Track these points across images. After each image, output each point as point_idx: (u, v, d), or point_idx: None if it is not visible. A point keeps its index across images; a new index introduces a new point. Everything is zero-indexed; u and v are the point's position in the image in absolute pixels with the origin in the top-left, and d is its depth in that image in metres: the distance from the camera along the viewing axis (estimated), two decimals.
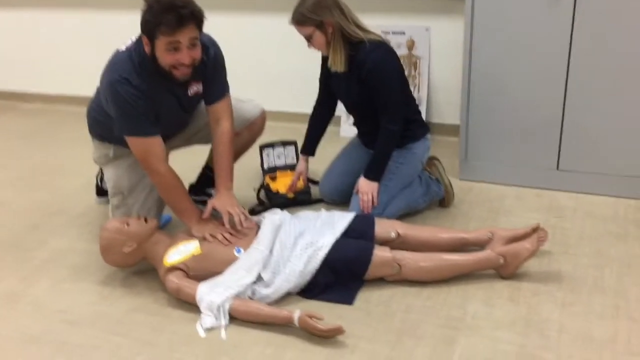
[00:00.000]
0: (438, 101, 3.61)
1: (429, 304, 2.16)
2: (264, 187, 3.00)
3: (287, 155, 3.11)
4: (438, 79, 3.56)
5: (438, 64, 3.52)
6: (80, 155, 3.59)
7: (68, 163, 3.57)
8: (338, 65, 2.48)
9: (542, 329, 2.00)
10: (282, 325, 2.05)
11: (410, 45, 3.54)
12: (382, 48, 2.45)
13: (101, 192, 3.00)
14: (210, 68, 2.39)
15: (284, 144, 3.12)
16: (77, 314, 2.22)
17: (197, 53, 2.21)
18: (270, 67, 3.98)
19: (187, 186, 2.93)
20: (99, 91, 2.40)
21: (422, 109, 3.61)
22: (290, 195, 2.89)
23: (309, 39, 2.47)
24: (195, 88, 2.40)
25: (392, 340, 1.99)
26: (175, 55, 2.15)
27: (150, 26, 2.11)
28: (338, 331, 1.98)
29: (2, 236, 2.80)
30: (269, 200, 2.93)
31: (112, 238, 2.29)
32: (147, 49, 2.18)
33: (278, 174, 3.05)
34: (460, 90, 2.91)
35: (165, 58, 2.16)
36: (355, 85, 2.50)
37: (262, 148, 3.10)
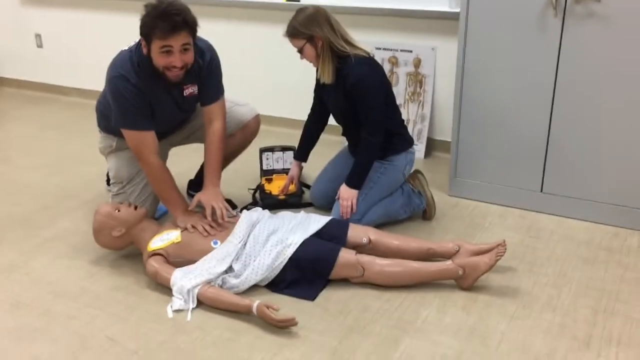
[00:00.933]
0: (441, 119, 3.71)
1: (386, 306, 2.28)
2: (259, 187, 3.17)
3: (285, 160, 3.28)
4: (442, 97, 3.66)
5: (442, 82, 3.63)
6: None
7: (88, 153, 3.82)
8: (326, 76, 2.64)
9: (485, 338, 2.10)
10: (243, 314, 2.21)
11: (417, 63, 3.66)
12: (367, 63, 2.60)
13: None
14: (206, 71, 2.58)
15: (284, 149, 3.29)
16: (65, 287, 2.44)
17: (189, 57, 2.40)
18: (274, 75, 4.20)
19: (186, 182, 3.17)
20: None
21: (425, 126, 3.72)
22: (282, 197, 3.05)
23: (300, 51, 2.64)
24: (191, 89, 2.60)
25: (340, 335, 2.12)
26: (168, 58, 2.35)
27: (146, 30, 2.32)
28: (291, 322, 2.12)
29: (17, 213, 3.07)
30: (261, 200, 3.10)
31: (103, 222, 2.50)
32: (144, 50, 2.40)
33: (274, 176, 3.22)
34: (452, 110, 3.03)
35: (159, 60, 2.36)
36: (341, 97, 2.65)
37: (262, 151, 3.29)
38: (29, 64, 5.34)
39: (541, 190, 2.95)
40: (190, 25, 2.34)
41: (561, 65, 2.72)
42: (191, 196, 3.08)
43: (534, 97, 2.82)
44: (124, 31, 4.69)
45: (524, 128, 2.89)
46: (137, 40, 2.49)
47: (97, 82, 5.07)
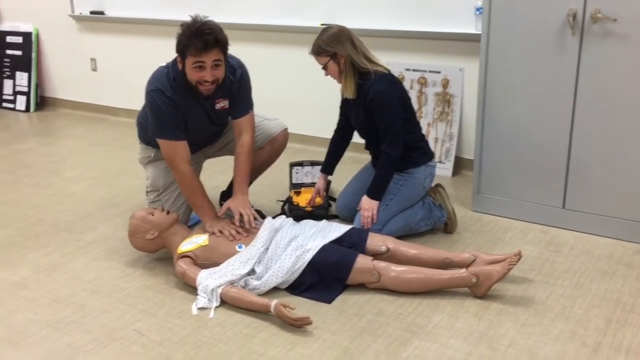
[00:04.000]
0: (469, 137, 3.78)
1: (399, 310, 2.36)
2: (288, 199, 3.31)
3: (314, 175, 3.41)
4: (470, 116, 3.74)
5: (470, 102, 3.71)
6: None
7: (131, 167, 4.04)
8: (348, 92, 2.77)
9: (494, 342, 2.15)
10: (262, 313, 2.33)
11: (445, 83, 3.77)
12: (385, 78, 2.72)
13: None
14: (236, 87, 2.75)
15: (312, 164, 3.42)
16: (100, 285, 2.61)
17: (220, 73, 2.58)
18: (307, 96, 4.37)
19: (219, 193, 3.34)
20: None
21: (453, 145, 3.80)
22: (309, 208, 3.18)
23: (324, 68, 2.79)
24: (222, 103, 2.77)
25: (353, 335, 2.21)
26: (200, 73, 2.53)
27: (181, 47, 2.51)
28: (306, 321, 2.23)
29: (62, 219, 3.29)
30: (289, 211, 3.23)
31: (138, 225, 2.68)
32: (179, 66, 2.59)
33: (303, 190, 3.35)
34: (475, 128, 3.11)
35: (192, 74, 2.55)
36: (362, 112, 2.78)
37: (292, 166, 3.43)
38: (83, 86, 5.68)
39: (563, 207, 2.99)
40: (221, 43, 2.52)
41: (580, 83, 2.78)
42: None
43: (555, 115, 2.88)
44: (169, 55, 4.99)
45: (545, 145, 2.95)
46: (174, 57, 2.68)
47: (142, 103, 5.42)
